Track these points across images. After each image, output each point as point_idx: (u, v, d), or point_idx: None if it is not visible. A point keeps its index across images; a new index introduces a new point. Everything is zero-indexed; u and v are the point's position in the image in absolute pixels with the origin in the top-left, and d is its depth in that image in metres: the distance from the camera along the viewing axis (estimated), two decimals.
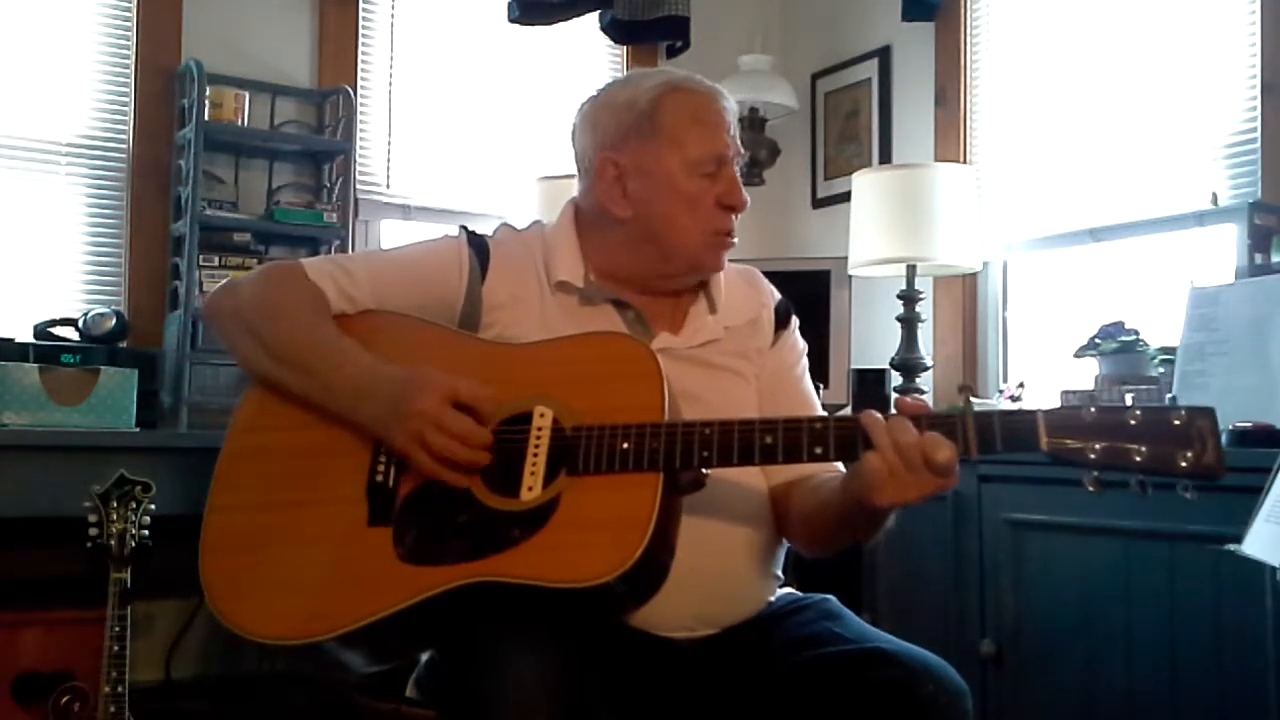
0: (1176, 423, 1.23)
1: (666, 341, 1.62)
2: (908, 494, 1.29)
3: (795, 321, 1.76)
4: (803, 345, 1.76)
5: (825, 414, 1.56)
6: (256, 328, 1.57)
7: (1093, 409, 1.27)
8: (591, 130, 1.66)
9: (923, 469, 1.28)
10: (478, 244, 1.66)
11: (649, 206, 1.61)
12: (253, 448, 1.57)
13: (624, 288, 1.65)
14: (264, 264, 1.92)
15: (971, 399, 1.33)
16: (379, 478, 1.47)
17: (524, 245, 1.68)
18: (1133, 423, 1.25)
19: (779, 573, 1.66)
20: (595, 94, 1.70)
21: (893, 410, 1.34)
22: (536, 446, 1.41)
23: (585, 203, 1.69)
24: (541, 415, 1.44)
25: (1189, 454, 1.22)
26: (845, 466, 1.43)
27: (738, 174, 1.64)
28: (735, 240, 1.65)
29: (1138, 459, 1.24)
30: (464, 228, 1.69)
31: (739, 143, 1.65)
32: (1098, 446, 1.25)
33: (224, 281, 1.71)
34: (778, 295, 1.77)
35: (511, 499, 1.39)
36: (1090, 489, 1.27)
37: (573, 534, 1.35)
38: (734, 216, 1.64)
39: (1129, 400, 2.35)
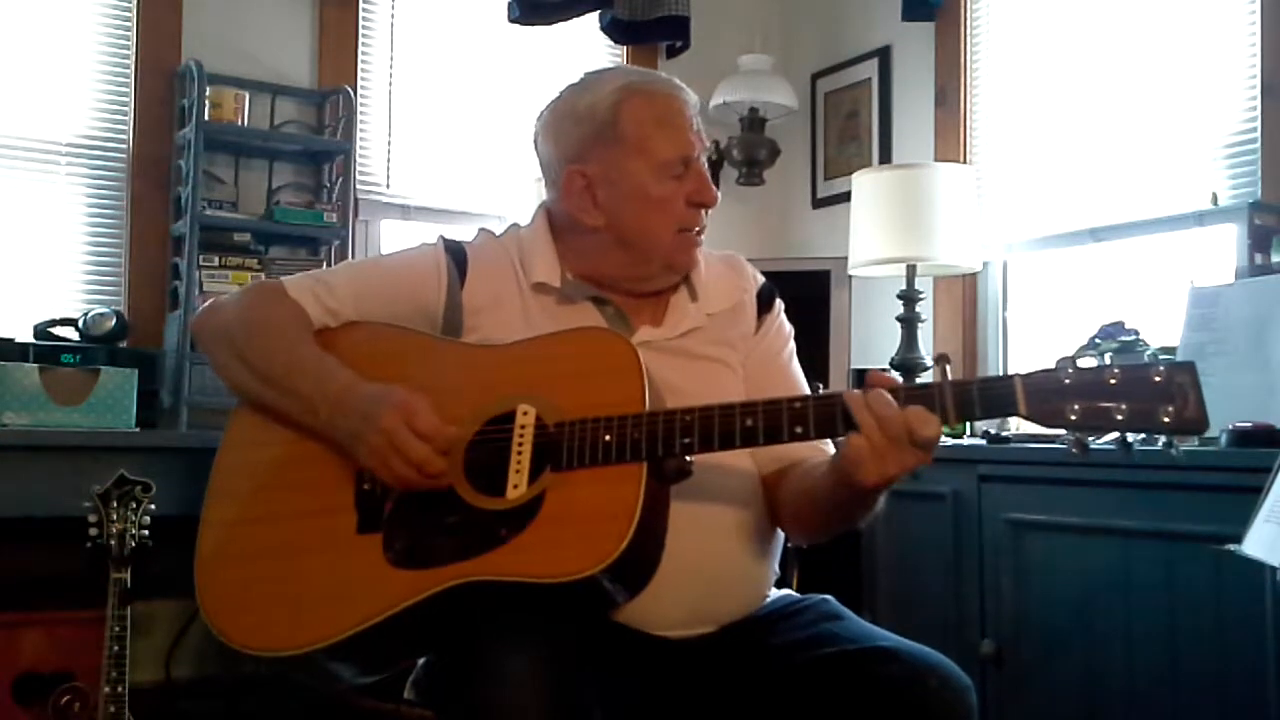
0: (1156, 379, 1.23)
1: (648, 334, 1.62)
2: (890, 469, 1.29)
3: (780, 305, 1.75)
4: (789, 329, 1.76)
5: (805, 394, 1.56)
6: (239, 347, 1.59)
7: (1070, 370, 1.26)
8: (554, 141, 1.66)
9: (905, 443, 1.28)
10: (455, 250, 1.67)
11: (620, 214, 1.61)
12: (244, 462, 1.58)
13: (602, 286, 1.66)
14: (247, 284, 1.93)
15: (948, 368, 1.32)
16: (367, 485, 1.48)
17: (501, 248, 1.69)
18: (1112, 382, 1.24)
19: (776, 566, 1.66)
20: (554, 101, 1.70)
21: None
22: (520, 445, 1.42)
23: (556, 209, 1.69)
24: (524, 414, 1.44)
25: (1170, 409, 1.21)
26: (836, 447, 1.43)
27: (705, 169, 1.64)
28: (703, 237, 1.66)
29: (1119, 417, 1.23)
30: (441, 236, 1.71)
31: (703, 136, 1.65)
32: (1078, 407, 1.25)
33: (208, 303, 1.72)
34: (761, 279, 1.76)
35: (497, 498, 1.40)
36: (1074, 451, 1.27)
37: (559, 529, 1.36)
38: (705, 212, 1.64)
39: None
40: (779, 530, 1.65)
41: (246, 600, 1.47)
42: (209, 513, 1.55)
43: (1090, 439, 1.26)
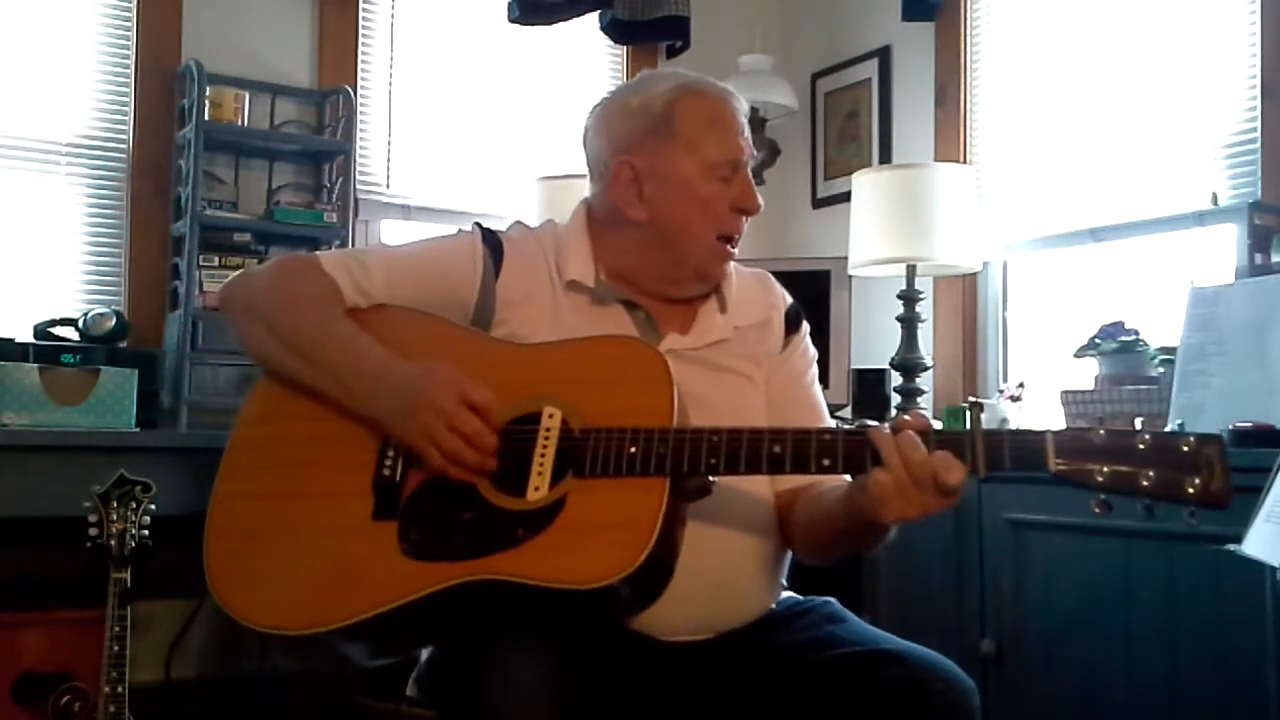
0: (1185, 449, 1.24)
1: (675, 342, 1.62)
2: (911, 511, 1.30)
3: (806, 327, 1.76)
4: (813, 352, 1.76)
5: (834, 426, 1.56)
6: (271, 319, 1.57)
7: (1102, 431, 1.27)
8: (606, 133, 1.66)
9: (931, 488, 1.28)
10: (492, 241, 1.66)
11: (665, 209, 1.61)
12: (262, 437, 1.57)
13: (633, 289, 1.65)
14: (280, 257, 1.91)
15: (981, 415, 1.32)
16: (385, 472, 1.47)
17: (537, 243, 1.68)
18: (1141, 447, 1.25)
19: (783, 581, 1.66)
20: (607, 97, 1.70)
21: (887, 427, 1.33)
22: (544, 447, 1.42)
23: (598, 205, 1.68)
24: (550, 416, 1.44)
25: (1196, 481, 1.22)
26: (851, 477, 1.43)
27: (750, 177, 1.65)
28: (736, 251, 1.66)
29: (1145, 484, 1.24)
30: (478, 224, 1.69)
31: (752, 145, 1.65)
32: (1105, 469, 1.26)
33: (239, 271, 1.70)
34: (789, 299, 1.76)
35: (517, 498, 1.40)
36: (1096, 510, 1.27)
37: (577, 535, 1.35)
38: (745, 220, 1.64)
39: (1133, 408, 2.35)
40: (788, 549, 1.65)
41: (255, 576, 1.46)
42: (222, 486, 1.54)
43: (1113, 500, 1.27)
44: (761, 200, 1.65)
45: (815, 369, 1.75)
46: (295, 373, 1.54)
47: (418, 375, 1.45)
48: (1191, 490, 1.22)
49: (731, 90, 1.67)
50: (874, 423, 1.36)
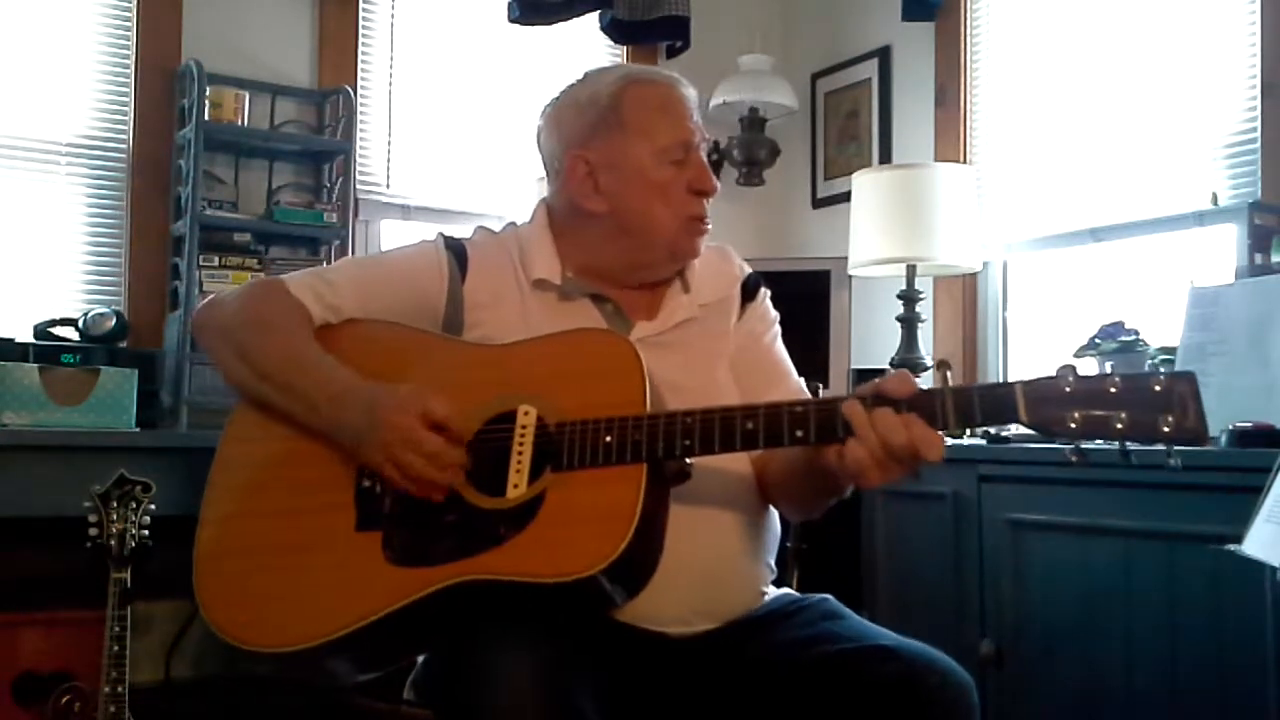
0: (1157, 388, 1.23)
1: (644, 330, 1.63)
2: (890, 477, 1.31)
3: (765, 293, 1.77)
4: (774, 314, 1.77)
5: (805, 397, 1.57)
6: (240, 344, 1.58)
7: (1070, 378, 1.26)
8: (557, 131, 1.69)
9: (908, 460, 1.29)
10: (455, 247, 1.68)
11: (622, 199, 1.63)
12: (244, 457, 1.58)
13: (602, 282, 1.67)
14: (248, 281, 1.94)
15: (949, 374, 1.32)
16: (366, 483, 1.48)
17: (500, 246, 1.70)
18: (1113, 390, 1.24)
19: (771, 563, 1.67)
20: (555, 96, 1.73)
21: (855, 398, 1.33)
22: (521, 444, 1.42)
23: (557, 203, 1.71)
24: (525, 414, 1.44)
25: (1170, 418, 1.21)
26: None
27: (704, 159, 1.66)
28: (709, 225, 1.67)
29: (1119, 426, 1.23)
30: (440, 234, 1.71)
31: (702, 128, 1.67)
32: (1078, 415, 1.24)
33: (209, 298, 1.72)
34: (747, 270, 1.78)
35: (497, 497, 1.40)
36: (1073, 460, 1.27)
37: (559, 529, 1.36)
38: (706, 201, 1.65)
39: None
40: (774, 528, 1.66)
41: (244, 596, 1.47)
42: (208, 508, 1.55)
43: (1090, 448, 1.27)
44: (718, 181, 1.66)
45: (777, 329, 1.77)
46: (265, 396, 1.56)
47: (379, 395, 1.45)
48: (1166, 429, 1.21)
49: (678, 77, 1.68)
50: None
